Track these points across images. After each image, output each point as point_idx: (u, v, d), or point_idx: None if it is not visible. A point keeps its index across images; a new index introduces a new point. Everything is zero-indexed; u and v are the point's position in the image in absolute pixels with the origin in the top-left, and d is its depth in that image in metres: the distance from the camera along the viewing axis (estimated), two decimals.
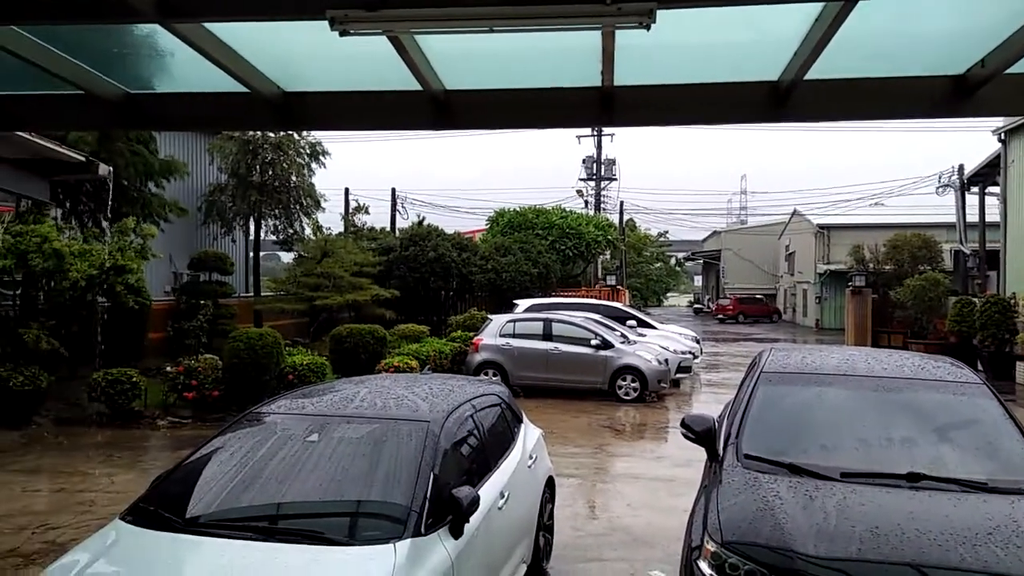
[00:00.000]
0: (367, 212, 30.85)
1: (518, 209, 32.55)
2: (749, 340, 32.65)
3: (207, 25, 3.25)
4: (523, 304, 20.14)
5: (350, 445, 4.28)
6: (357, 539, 3.67)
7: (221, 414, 12.38)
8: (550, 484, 6.26)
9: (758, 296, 51.77)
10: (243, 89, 3.95)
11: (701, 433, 5.10)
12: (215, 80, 3.89)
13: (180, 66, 4.01)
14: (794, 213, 48.87)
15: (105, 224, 15.48)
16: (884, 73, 3.88)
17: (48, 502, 8.07)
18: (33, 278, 12.62)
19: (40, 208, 13.00)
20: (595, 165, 46.15)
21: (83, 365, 14.93)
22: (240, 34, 3.44)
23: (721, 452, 4.81)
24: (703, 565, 3.83)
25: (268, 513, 3.95)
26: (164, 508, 3.90)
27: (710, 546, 3.82)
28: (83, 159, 5.49)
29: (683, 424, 5.25)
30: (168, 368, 13.27)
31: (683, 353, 17.26)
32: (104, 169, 5.67)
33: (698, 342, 20.37)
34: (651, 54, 3.63)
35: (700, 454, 5.52)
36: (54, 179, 5.71)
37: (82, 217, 16.20)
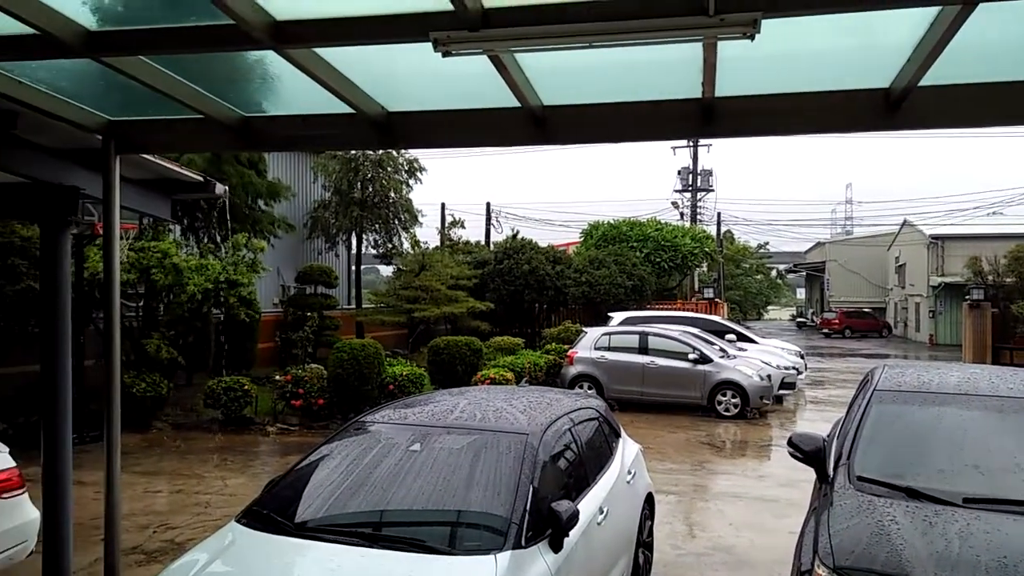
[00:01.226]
0: (462, 226, 31.39)
1: (612, 222, 32.32)
2: (857, 356, 31.21)
3: (317, 50, 3.40)
4: (618, 317, 19.96)
5: (450, 456, 4.34)
6: (458, 549, 3.71)
7: (326, 422, 12.84)
8: (649, 500, 6.17)
9: (866, 310, 49.46)
10: (349, 110, 4.09)
11: (809, 453, 4.90)
12: (322, 102, 4.05)
13: (289, 89, 4.20)
14: (904, 223, 46.52)
15: (219, 240, 16.37)
16: (1005, 77, 3.66)
17: (167, 502, 8.54)
18: (154, 291, 13.48)
19: (160, 225, 13.88)
20: (691, 176, 45.33)
21: (198, 373, 15.81)
22: (347, 57, 3.58)
23: (831, 473, 4.61)
24: None
25: (372, 520, 4.05)
26: (276, 512, 4.06)
27: (821, 571, 3.67)
28: (201, 179, 5.81)
29: (790, 443, 5.06)
30: (277, 377, 13.85)
31: (786, 368, 16.68)
32: (220, 188, 5.98)
33: (802, 357, 19.63)
34: (754, 64, 3.54)
35: (805, 474, 5.32)
36: (174, 198, 6.07)
37: (198, 233, 17.18)
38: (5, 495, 5.36)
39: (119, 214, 4.54)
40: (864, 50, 3.55)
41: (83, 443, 10.36)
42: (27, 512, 5.54)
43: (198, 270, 13.10)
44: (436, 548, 3.69)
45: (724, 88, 3.75)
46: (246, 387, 12.89)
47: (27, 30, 3.06)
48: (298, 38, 3.12)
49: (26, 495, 5.57)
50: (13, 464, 5.55)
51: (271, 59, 3.65)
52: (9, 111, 4.16)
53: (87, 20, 3.14)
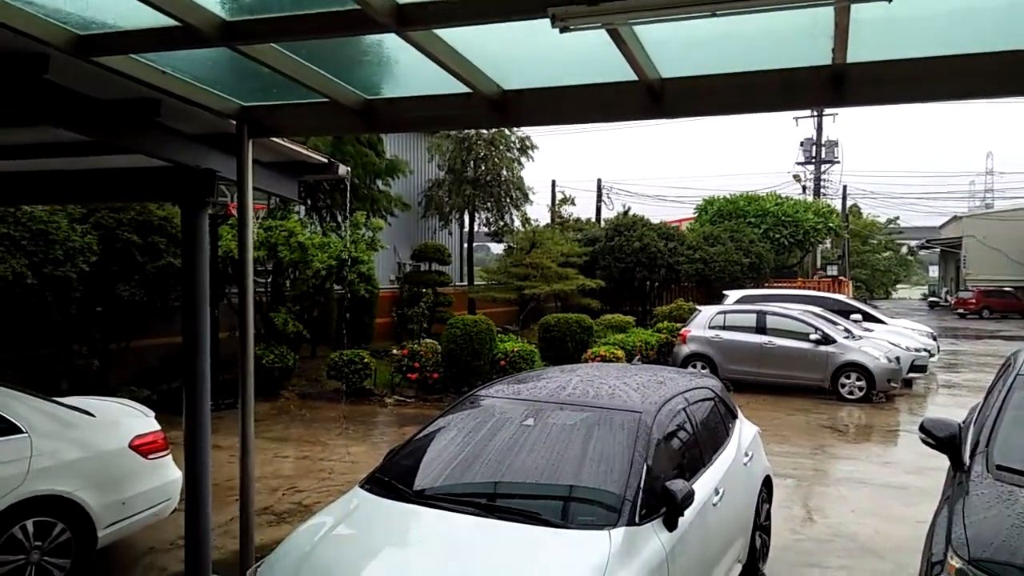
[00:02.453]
0: (573, 203, 31.35)
1: (728, 197, 31.37)
2: (996, 338, 29.06)
3: (436, 31, 3.45)
4: (733, 295, 19.43)
5: (564, 431, 4.37)
6: (572, 523, 3.75)
7: (440, 395, 13.21)
8: (767, 483, 6.01)
9: (1007, 289, 45.88)
10: (465, 89, 4.14)
11: (943, 439, 4.63)
12: (440, 82, 4.12)
13: (407, 71, 4.29)
14: None
15: (340, 219, 17.05)
16: None
17: (294, 467, 9.05)
18: (281, 268, 14.19)
19: (286, 205, 14.57)
20: (815, 147, 43.20)
21: (320, 345, 16.57)
22: (464, 37, 3.61)
23: (967, 461, 4.34)
24: None
25: (487, 491, 4.15)
26: (396, 480, 4.23)
27: (955, 562, 3.47)
28: (326, 161, 6.05)
29: (922, 428, 4.80)
30: (394, 351, 14.36)
31: (916, 351, 15.75)
32: (343, 169, 6.20)
33: (934, 339, 18.47)
34: (891, 27, 3.32)
35: (936, 462, 5.04)
36: (300, 179, 6.35)
37: (320, 212, 17.92)
38: (152, 456, 5.82)
39: (251, 195, 4.79)
40: (1012, 8, 3.27)
41: (218, 410, 11.07)
42: (171, 472, 6.00)
43: (321, 248, 13.69)
44: (550, 521, 3.73)
45: (857, 53, 3.54)
46: (365, 360, 13.42)
47: (170, 22, 3.26)
48: (419, 20, 3.17)
49: (170, 457, 6.04)
50: (158, 428, 6.03)
51: (391, 42, 3.74)
52: (153, 99, 4.46)
53: (223, 10, 3.32)
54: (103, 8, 3.38)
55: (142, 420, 6.00)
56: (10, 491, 4.90)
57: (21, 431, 5.10)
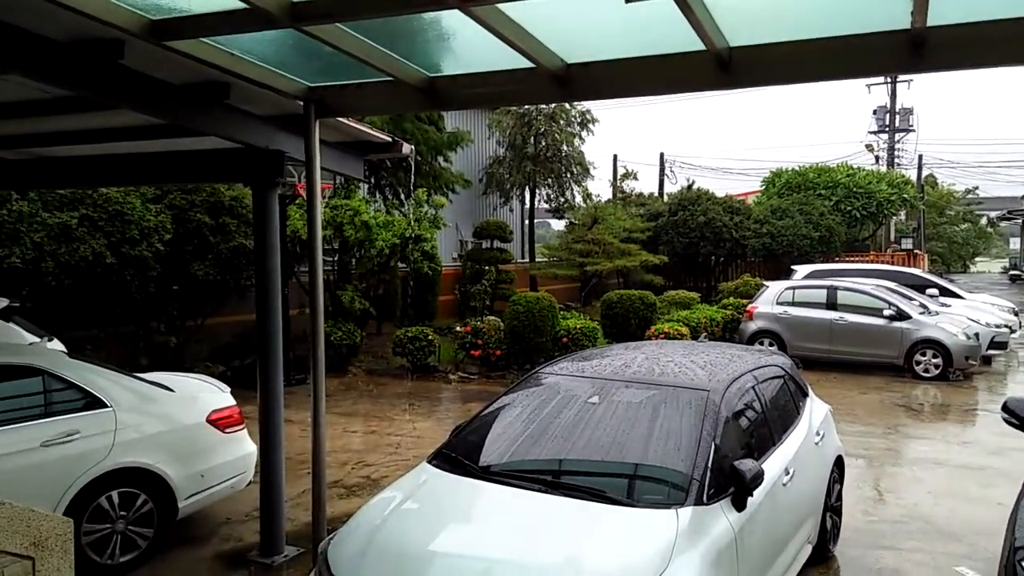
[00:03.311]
0: (635, 178, 30.92)
1: (797, 168, 30.42)
2: None
3: (499, 6, 3.42)
4: (802, 270, 18.92)
5: (629, 409, 4.34)
6: (639, 501, 3.73)
7: (503, 371, 13.30)
8: (839, 463, 5.87)
9: None
10: (528, 64, 4.10)
11: None
12: (502, 58, 4.09)
13: (469, 48, 4.28)
14: None
15: (402, 196, 17.21)
16: None
17: (363, 442, 9.25)
18: (346, 246, 14.43)
19: (350, 184, 14.78)
20: (888, 116, 41.50)
21: (385, 322, 16.86)
22: (528, 11, 3.57)
23: None
24: None
25: (552, 468, 4.15)
26: (463, 456, 4.27)
27: None
28: (390, 139, 6.10)
29: (1004, 407, 4.60)
30: (457, 328, 14.50)
31: (996, 327, 15.06)
32: (407, 147, 6.25)
33: (1016, 314, 17.64)
34: None
35: (1017, 442, 4.83)
36: (365, 158, 6.43)
37: (383, 191, 18.13)
38: (228, 430, 6.02)
39: (319, 174, 4.87)
40: None
41: (289, 385, 11.39)
42: (246, 446, 6.20)
43: (385, 226, 13.86)
44: (616, 499, 3.72)
45: (938, 16, 3.37)
46: (429, 337, 13.59)
47: (238, 4, 3.32)
48: None
49: (245, 431, 6.23)
50: (234, 402, 6.23)
51: (453, 19, 3.73)
52: (223, 82, 4.56)
53: None
54: None
55: (219, 395, 6.21)
56: (97, 463, 5.15)
57: (106, 405, 5.33)
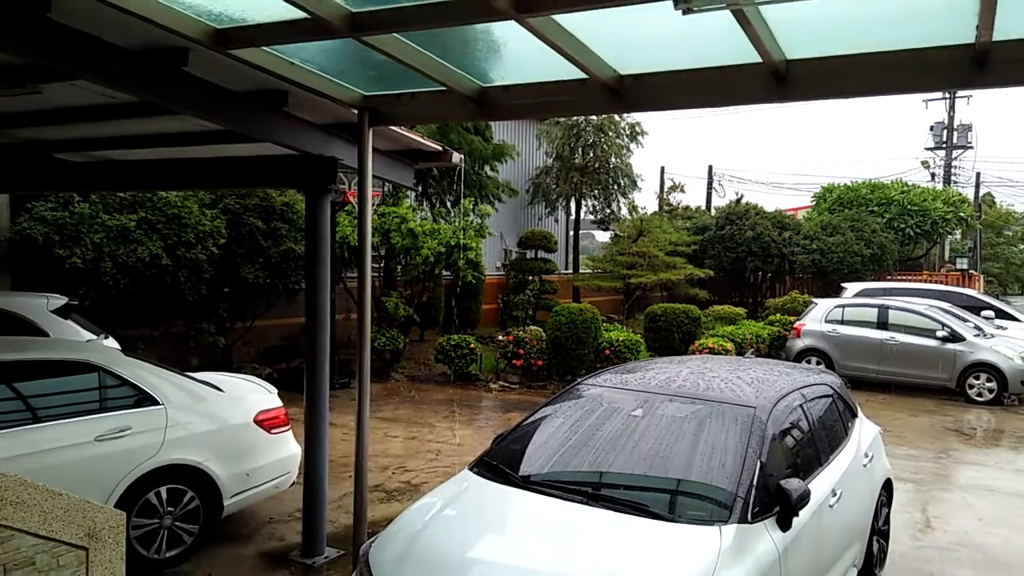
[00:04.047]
0: (682, 191, 30.63)
1: (849, 184, 29.85)
2: None
3: (554, 17, 3.44)
4: (852, 288, 18.53)
5: (673, 424, 4.30)
6: (681, 517, 3.69)
7: (544, 382, 13.28)
8: (887, 486, 5.73)
9: None
10: (581, 75, 4.12)
11: None
12: (554, 68, 4.11)
13: (522, 58, 4.31)
14: None
15: (449, 205, 17.34)
16: None
17: (403, 447, 9.31)
18: (392, 253, 14.59)
19: (398, 191, 14.96)
20: (945, 132, 40.46)
21: (428, 330, 16.98)
22: (582, 23, 3.59)
23: None
24: None
25: (593, 480, 4.13)
26: (504, 464, 4.28)
27: None
28: (440, 148, 6.17)
29: None
30: (499, 337, 14.52)
31: None
32: (457, 157, 6.32)
33: None
34: None
35: None
36: (415, 166, 6.51)
37: (431, 199, 18.29)
38: (274, 431, 6.12)
39: (371, 182, 4.94)
40: None
41: (333, 389, 11.51)
42: (291, 447, 6.29)
43: (431, 234, 13.98)
44: (658, 514, 3.68)
45: (1005, 30, 3.29)
46: (472, 345, 13.64)
47: (299, 14, 3.40)
48: (539, 6, 3.18)
49: (291, 432, 6.33)
50: (280, 404, 6.33)
51: (506, 30, 3.76)
52: (281, 90, 4.67)
53: (348, 2, 3.42)
54: (238, 3, 3.56)
55: (266, 396, 6.32)
56: (147, 459, 5.27)
57: (158, 403, 5.47)
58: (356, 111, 4.82)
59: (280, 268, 12.24)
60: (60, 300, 8.35)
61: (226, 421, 5.83)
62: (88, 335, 8.29)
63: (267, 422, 6.04)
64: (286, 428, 6.25)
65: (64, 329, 8.09)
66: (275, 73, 4.15)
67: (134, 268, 10.29)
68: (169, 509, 5.40)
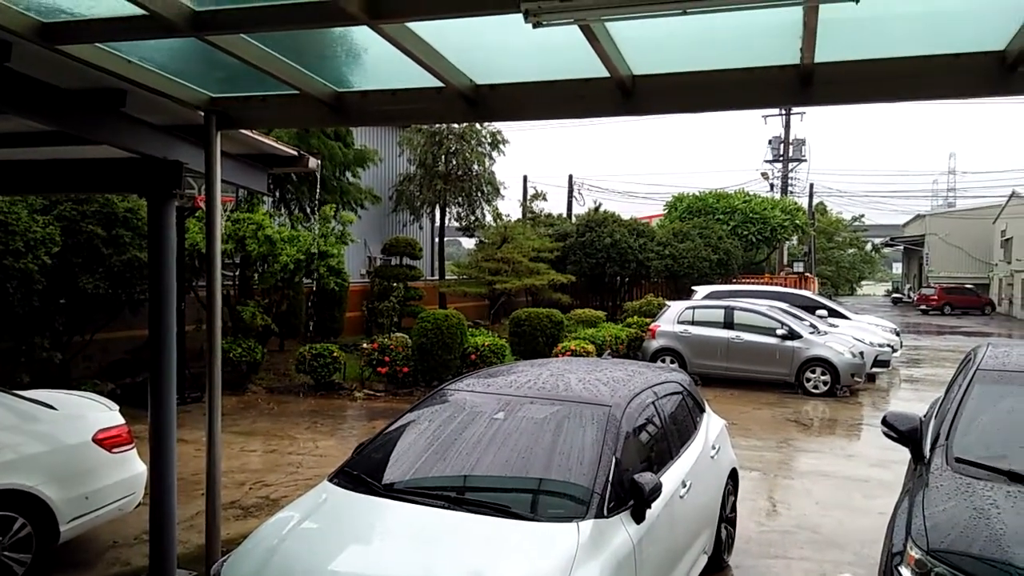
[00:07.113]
0: (544, 199, 31.38)
1: (697, 194, 31.67)
2: (957, 334, 29.77)
3: (409, 24, 3.44)
4: (702, 291, 19.62)
5: (533, 425, 4.39)
6: (541, 515, 3.77)
7: (410, 388, 13.19)
8: (733, 476, 6.11)
9: (968, 286, 47.02)
10: (437, 83, 4.13)
11: (905, 432, 4.74)
12: (412, 76, 4.10)
13: (379, 64, 4.27)
14: (1012, 195, 43.88)
15: (309, 211, 16.88)
16: None
17: (262, 461, 8.97)
18: (249, 261, 14.04)
19: (254, 197, 14.41)
20: (782, 146, 43.75)
21: (289, 339, 16.44)
22: (437, 31, 3.61)
23: (928, 454, 4.45)
24: (906, 572, 3.58)
25: (456, 484, 4.15)
26: (365, 473, 4.22)
27: (914, 553, 3.56)
28: (296, 153, 5.99)
29: (884, 422, 4.90)
30: (364, 345, 14.28)
31: (880, 346, 16.05)
32: (314, 162, 6.15)
33: (897, 334, 18.85)
34: (858, 27, 3.38)
35: (898, 455, 5.15)
36: (270, 172, 6.29)
37: (289, 205, 17.74)
38: (116, 450, 5.74)
39: (220, 187, 4.74)
40: (975, 12, 3.35)
41: (184, 403, 10.96)
42: (135, 466, 5.92)
43: (290, 241, 13.56)
44: (519, 514, 3.75)
45: (825, 53, 3.61)
46: (335, 354, 13.34)
47: (136, 11, 3.21)
48: (392, 12, 3.16)
49: (135, 451, 5.95)
50: (122, 421, 5.94)
51: (363, 35, 3.72)
52: (119, 89, 4.38)
53: (191, 0, 3.27)
54: None
55: (106, 414, 5.91)
56: None
57: None
58: (203, 113, 4.61)
59: (123, 278, 11.46)
60: None
61: (61, 441, 5.41)
62: None
63: (108, 441, 5.65)
64: (130, 446, 5.88)
65: None
66: (111, 71, 3.89)
67: None
68: None
